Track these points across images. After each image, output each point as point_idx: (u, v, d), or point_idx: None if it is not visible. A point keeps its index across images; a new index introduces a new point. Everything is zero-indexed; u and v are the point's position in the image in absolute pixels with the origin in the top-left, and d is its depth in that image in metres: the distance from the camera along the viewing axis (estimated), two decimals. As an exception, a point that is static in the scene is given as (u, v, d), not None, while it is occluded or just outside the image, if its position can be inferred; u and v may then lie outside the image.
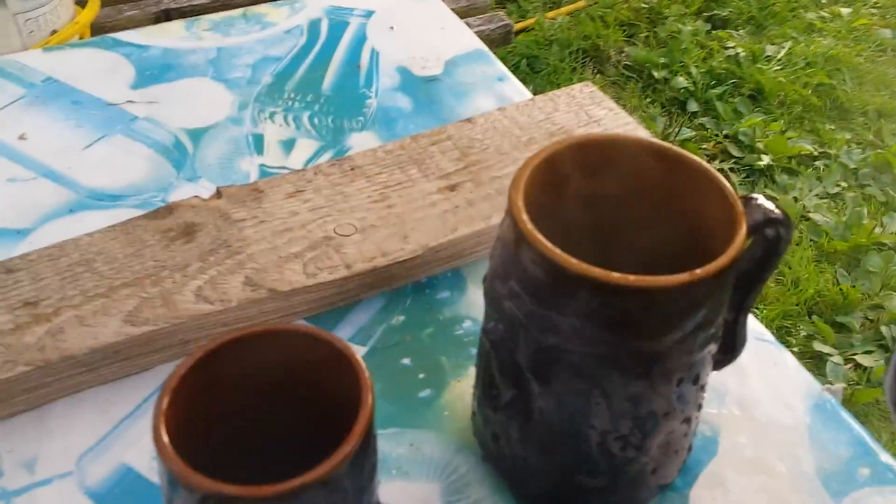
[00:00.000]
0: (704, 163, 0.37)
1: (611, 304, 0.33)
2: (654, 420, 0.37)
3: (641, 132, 0.58)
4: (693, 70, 2.05)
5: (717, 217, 0.36)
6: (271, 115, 0.61)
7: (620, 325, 0.34)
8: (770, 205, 0.36)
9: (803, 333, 1.37)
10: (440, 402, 0.45)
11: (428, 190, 0.53)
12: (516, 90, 0.65)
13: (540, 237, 0.34)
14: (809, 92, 2.00)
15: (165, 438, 0.29)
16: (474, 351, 0.48)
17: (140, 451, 0.42)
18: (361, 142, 0.60)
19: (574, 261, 0.33)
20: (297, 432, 0.34)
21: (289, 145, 0.59)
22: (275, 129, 0.60)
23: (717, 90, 2.03)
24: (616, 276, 0.32)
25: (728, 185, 0.36)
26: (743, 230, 0.34)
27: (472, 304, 0.50)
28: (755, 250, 0.37)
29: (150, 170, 0.56)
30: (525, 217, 0.35)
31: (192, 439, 0.31)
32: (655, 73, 2.02)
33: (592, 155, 0.38)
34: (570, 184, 0.39)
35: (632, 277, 0.32)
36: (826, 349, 1.34)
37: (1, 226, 0.52)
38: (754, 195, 0.36)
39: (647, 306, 0.33)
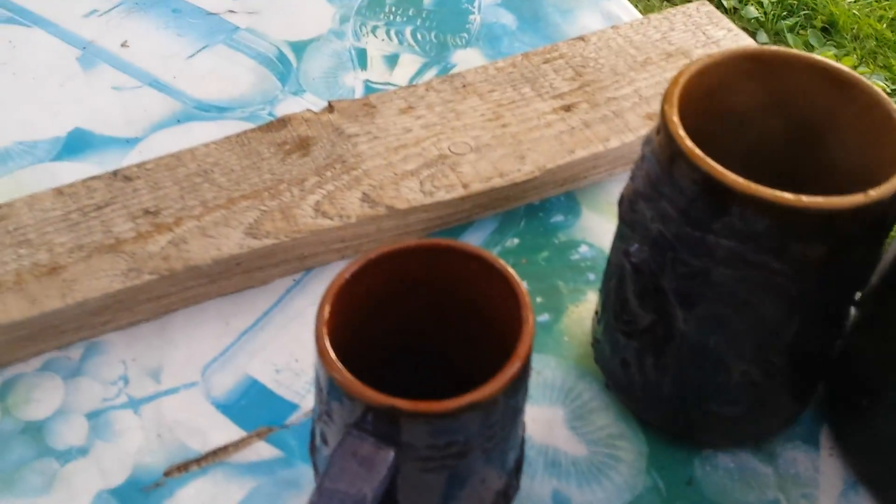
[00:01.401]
0: (884, 95, 0.34)
1: (777, 227, 0.32)
2: (803, 348, 0.36)
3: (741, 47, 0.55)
4: (764, 0, 1.98)
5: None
6: (373, 30, 0.59)
7: (784, 248, 0.32)
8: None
9: None
10: (559, 327, 0.44)
11: (542, 109, 0.51)
12: (623, 8, 0.62)
13: (702, 155, 0.32)
14: (884, 26, 1.92)
15: (329, 347, 0.29)
16: (592, 276, 0.47)
17: (263, 363, 0.42)
18: (466, 58, 0.58)
19: (740, 179, 0.31)
20: (448, 345, 0.34)
21: (392, 60, 0.57)
22: (377, 44, 0.58)
23: (789, 21, 1.95)
24: (787, 196, 0.31)
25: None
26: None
27: (588, 228, 0.49)
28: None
29: (255, 82, 0.55)
30: (682, 133, 0.33)
31: (347, 347, 0.30)
32: (725, 2, 1.95)
33: (754, 71, 0.36)
34: (724, 101, 0.37)
35: (805, 198, 0.31)
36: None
37: (110, 133, 0.51)
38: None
39: (818, 229, 0.31)
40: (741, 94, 0.37)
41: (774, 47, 0.36)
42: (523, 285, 0.31)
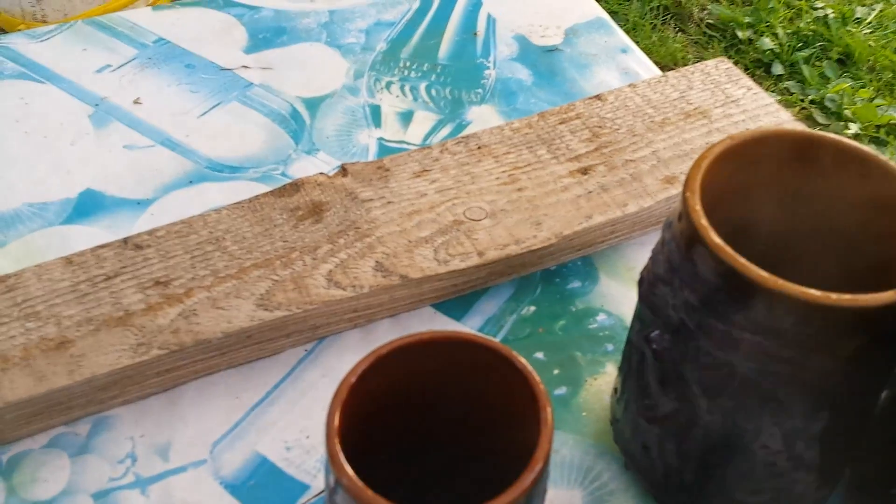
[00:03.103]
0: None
1: (805, 324, 0.31)
2: (831, 439, 0.35)
3: (783, 115, 0.55)
4: (779, 31, 1.97)
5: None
6: (387, 85, 0.59)
7: (812, 345, 0.31)
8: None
9: None
10: (577, 402, 0.43)
11: (559, 172, 0.50)
12: (641, 63, 0.62)
13: (725, 246, 0.31)
14: (901, 57, 1.91)
15: (340, 452, 0.28)
16: (610, 347, 0.46)
17: (273, 440, 0.41)
18: (481, 115, 0.57)
19: (764, 273, 0.30)
20: (463, 437, 0.33)
21: (407, 117, 0.57)
22: (392, 100, 0.58)
23: (804, 53, 1.94)
24: (815, 293, 0.30)
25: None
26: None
27: (605, 295, 0.48)
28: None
29: (268, 140, 0.55)
30: (705, 223, 0.32)
31: (358, 441, 0.29)
32: (740, 33, 1.94)
33: (778, 153, 0.35)
34: (746, 183, 0.36)
35: (833, 296, 0.30)
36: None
37: (121, 195, 0.51)
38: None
39: (847, 326, 0.30)
40: (764, 175, 0.36)
41: (800, 129, 0.35)
42: (540, 381, 0.30)
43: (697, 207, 0.32)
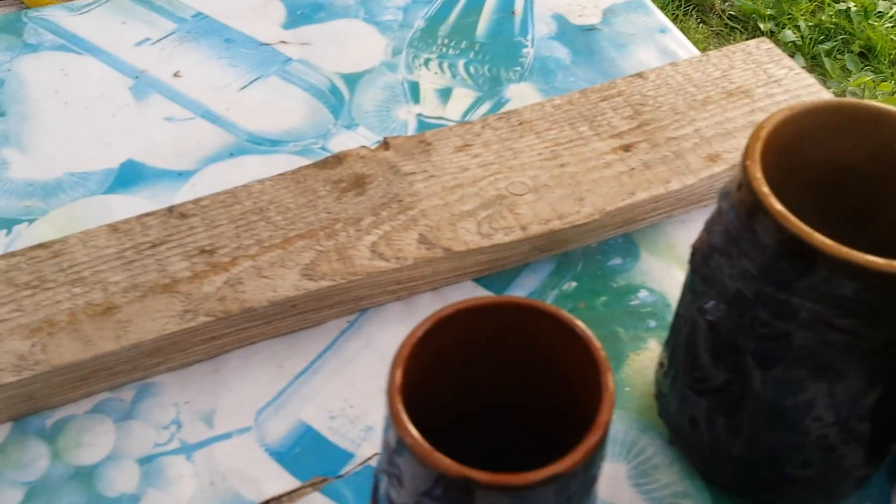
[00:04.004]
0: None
1: (867, 292, 0.30)
2: (883, 414, 0.34)
3: (825, 96, 0.54)
4: (801, 23, 1.95)
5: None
6: (426, 62, 0.58)
7: (873, 315, 0.31)
8: None
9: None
10: (620, 377, 0.43)
11: (601, 149, 0.50)
12: (680, 44, 0.61)
13: (787, 214, 0.31)
14: (925, 52, 1.89)
15: (403, 412, 0.28)
16: (652, 323, 0.46)
17: (317, 408, 0.41)
18: (519, 93, 0.57)
19: (828, 241, 0.30)
20: (520, 403, 0.33)
21: (445, 94, 0.57)
22: (430, 77, 0.58)
23: (826, 46, 1.93)
24: (879, 261, 0.30)
25: None
26: None
27: (647, 272, 0.48)
28: None
29: (307, 114, 0.54)
30: (767, 190, 0.32)
31: (415, 404, 0.29)
32: (762, 25, 1.93)
33: (837, 125, 0.35)
34: (803, 155, 0.36)
35: (897, 265, 0.30)
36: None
37: (162, 166, 0.51)
38: None
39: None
40: (822, 147, 0.36)
41: (860, 101, 0.35)
42: (601, 348, 0.30)
43: (758, 175, 0.32)
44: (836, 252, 0.30)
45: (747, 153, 0.33)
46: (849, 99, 0.36)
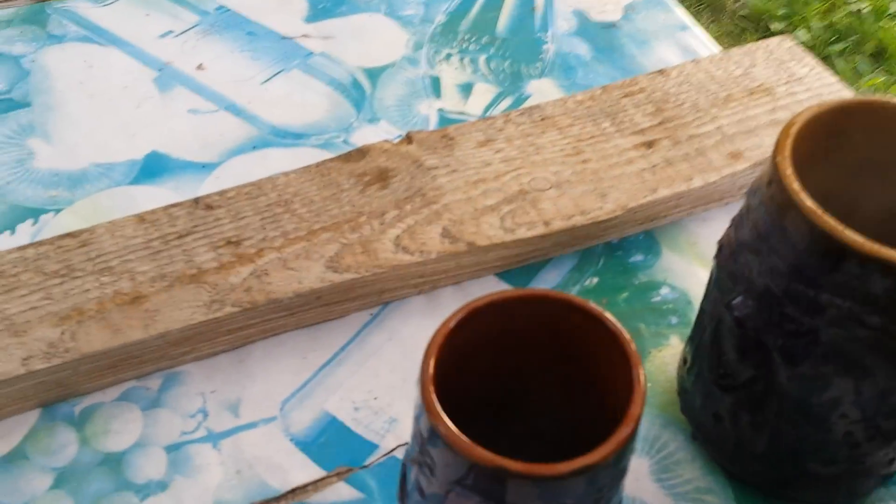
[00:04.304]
0: None
1: (897, 290, 0.30)
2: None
3: (846, 94, 0.54)
4: (813, 24, 1.95)
5: None
6: (447, 57, 0.59)
7: (902, 313, 0.31)
8: None
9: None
10: (642, 372, 0.43)
11: (623, 146, 0.50)
12: (700, 41, 0.61)
13: (819, 211, 0.31)
14: (938, 54, 1.89)
15: (435, 400, 0.28)
16: (674, 319, 0.46)
17: (341, 400, 0.41)
18: (541, 89, 0.57)
19: (859, 238, 0.30)
20: (549, 395, 0.33)
21: (466, 89, 0.57)
22: (451, 72, 0.58)
23: (837, 47, 1.92)
24: (910, 259, 0.30)
25: None
26: None
27: (669, 269, 0.48)
28: None
29: (330, 108, 0.55)
30: (797, 187, 0.32)
31: (445, 394, 0.29)
32: (773, 26, 1.92)
33: (867, 122, 0.35)
34: (832, 151, 0.36)
35: (929, 263, 0.30)
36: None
37: (186, 158, 0.51)
38: None
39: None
40: (852, 145, 0.36)
41: (885, 99, 0.35)
42: (632, 341, 0.30)
43: (789, 172, 0.32)
44: (867, 248, 0.30)
45: (777, 149, 0.33)
46: (881, 97, 0.36)
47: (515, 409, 0.34)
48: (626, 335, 0.30)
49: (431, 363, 0.29)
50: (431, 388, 0.28)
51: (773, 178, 0.33)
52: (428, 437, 0.29)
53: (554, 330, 0.32)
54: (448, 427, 0.27)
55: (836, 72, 1.82)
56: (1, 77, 0.55)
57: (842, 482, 0.38)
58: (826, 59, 1.88)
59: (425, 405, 0.28)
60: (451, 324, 0.29)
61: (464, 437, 0.27)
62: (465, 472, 0.28)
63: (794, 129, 0.34)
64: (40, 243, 0.43)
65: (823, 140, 0.36)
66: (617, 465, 0.29)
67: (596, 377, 0.31)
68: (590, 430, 0.31)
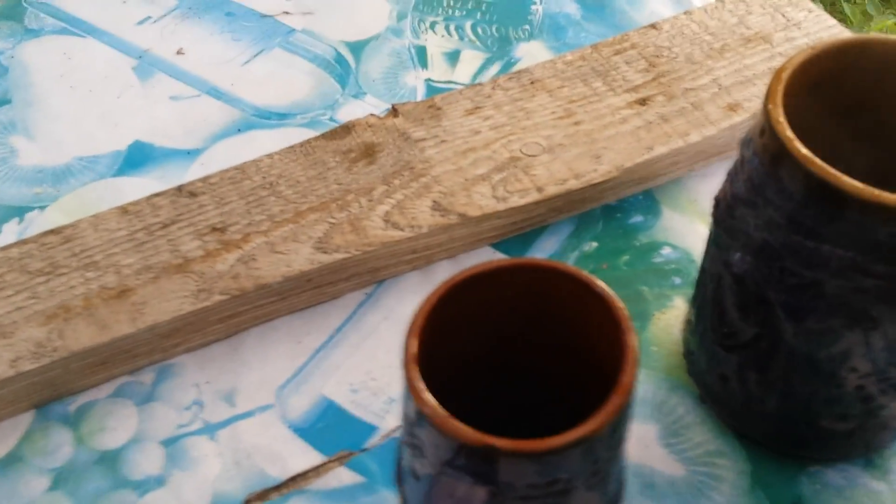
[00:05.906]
0: None
1: (900, 236, 0.29)
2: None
3: (846, 36, 0.52)
4: (819, -32, 1.90)
5: None
6: (432, 25, 0.57)
7: (907, 259, 0.29)
8: None
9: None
10: (646, 336, 0.42)
11: (616, 104, 0.48)
12: (693, -8, 0.59)
13: (814, 158, 0.30)
14: (952, -9, 1.83)
15: (419, 382, 0.27)
16: (678, 280, 0.44)
17: (338, 383, 0.41)
18: (530, 52, 0.56)
19: (858, 184, 0.29)
20: (541, 365, 0.32)
21: (453, 57, 0.55)
22: (437, 41, 0.56)
23: (845, -11, 1.87)
24: (912, 203, 0.28)
25: None
26: None
27: (669, 228, 0.46)
28: None
29: (314, 85, 0.53)
30: (791, 135, 0.30)
31: (433, 371, 0.28)
32: (777, -27, 1.87)
33: (862, 62, 0.33)
34: (827, 95, 0.34)
35: (932, 206, 0.28)
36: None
37: (171, 146, 0.50)
38: None
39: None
40: (849, 88, 0.34)
41: (887, 36, 0.33)
42: (623, 307, 0.29)
43: (781, 119, 0.31)
44: (867, 195, 0.29)
45: (769, 97, 0.32)
46: (874, 35, 0.34)
47: (509, 382, 0.33)
48: (617, 301, 0.29)
49: (413, 344, 0.28)
50: (415, 369, 0.27)
51: (766, 128, 0.31)
52: (415, 420, 0.28)
53: (542, 299, 0.30)
54: (433, 408, 0.26)
55: (845, 15, 1.78)
56: (-20, 76, 0.54)
57: (857, 437, 0.37)
58: (833, 4, 1.84)
59: (409, 387, 0.27)
60: (432, 302, 0.28)
61: (449, 417, 0.26)
62: (455, 453, 0.27)
63: (785, 74, 0.32)
64: (24, 242, 0.42)
65: (818, 84, 0.34)
66: (613, 435, 0.28)
67: (589, 345, 0.30)
68: (586, 399, 0.30)
